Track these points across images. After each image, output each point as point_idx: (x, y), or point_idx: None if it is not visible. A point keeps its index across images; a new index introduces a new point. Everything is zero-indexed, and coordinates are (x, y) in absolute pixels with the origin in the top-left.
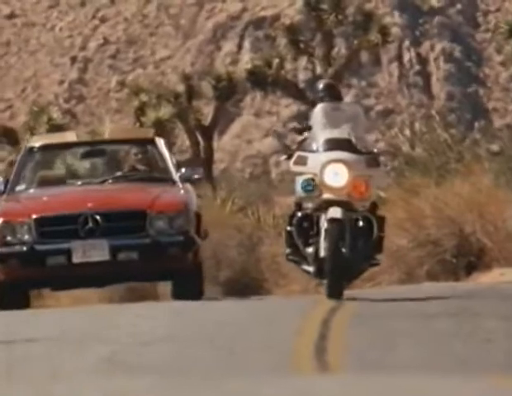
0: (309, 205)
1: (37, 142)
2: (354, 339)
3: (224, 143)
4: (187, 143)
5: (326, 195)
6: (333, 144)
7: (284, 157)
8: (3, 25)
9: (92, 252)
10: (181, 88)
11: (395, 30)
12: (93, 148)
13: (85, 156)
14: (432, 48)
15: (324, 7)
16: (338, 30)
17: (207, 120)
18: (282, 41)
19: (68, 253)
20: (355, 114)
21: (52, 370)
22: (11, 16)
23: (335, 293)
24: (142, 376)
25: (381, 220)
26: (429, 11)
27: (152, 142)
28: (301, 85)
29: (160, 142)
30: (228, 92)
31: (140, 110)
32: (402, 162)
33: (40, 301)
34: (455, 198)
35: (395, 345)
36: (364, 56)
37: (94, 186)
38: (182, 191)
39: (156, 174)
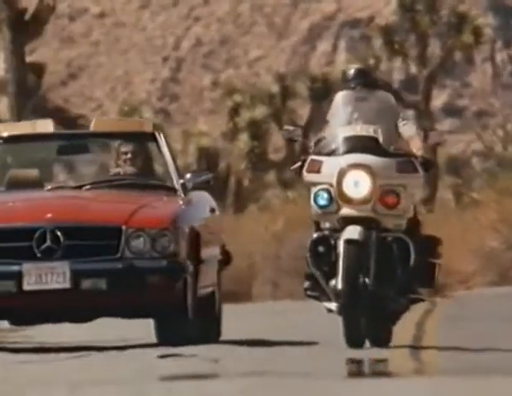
0: (327, 224)
1: (3, 132)
2: (448, 341)
3: None
4: (282, 143)
5: (345, 211)
6: (353, 144)
7: (297, 165)
8: (93, 24)
9: (49, 277)
10: (275, 89)
11: (487, 31)
12: (74, 142)
13: (63, 152)
14: None
15: (419, 8)
16: (432, 31)
17: (303, 120)
18: (377, 42)
19: (18, 278)
20: (387, 105)
21: (144, 371)
22: (101, 15)
23: (354, 339)
24: (237, 378)
25: (429, 242)
26: None
27: (151, 137)
28: (396, 85)
29: (161, 138)
30: (323, 93)
31: (234, 111)
32: (494, 163)
33: None
34: None
35: (489, 347)
36: (457, 57)
37: (66, 191)
38: (178, 203)
39: (151, 179)
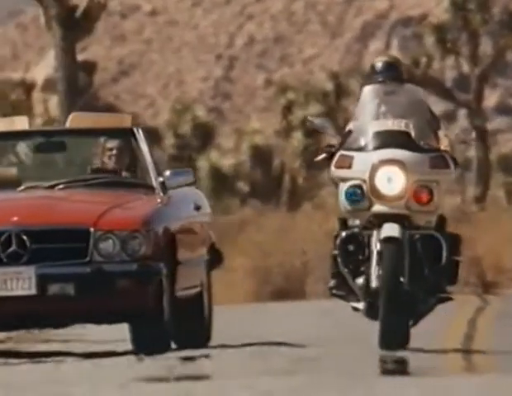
0: (356, 222)
1: None
2: (501, 339)
3: None
4: (335, 141)
5: (378, 208)
6: (385, 139)
7: (322, 156)
8: (145, 22)
9: (15, 283)
10: (329, 87)
11: None
12: (49, 139)
13: (40, 150)
14: None
15: (471, 6)
16: (484, 30)
17: None
18: (430, 40)
19: None
20: (416, 99)
21: (195, 370)
22: (153, 13)
23: (392, 341)
24: (289, 376)
25: (454, 240)
26: None
27: (129, 133)
28: (448, 84)
29: (140, 134)
30: None
31: (288, 109)
32: None
33: None
34: None
35: None
36: (510, 55)
37: (38, 192)
38: (154, 202)
39: (128, 178)
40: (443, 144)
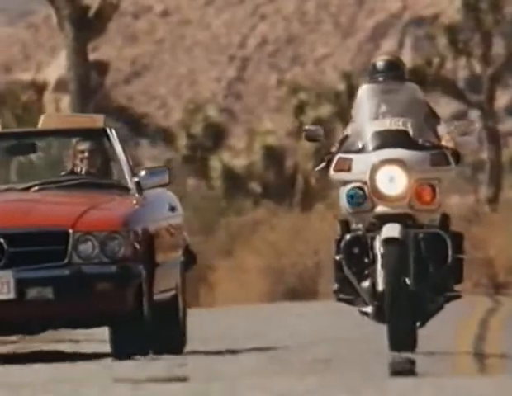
0: (359, 225)
1: None
2: None
3: None
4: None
5: (380, 209)
6: (384, 139)
7: (322, 164)
8: (157, 22)
9: None
10: (341, 87)
11: None
12: (21, 141)
13: (11, 152)
14: None
15: (483, 6)
16: (496, 30)
17: None
18: (442, 40)
19: None
20: (414, 97)
21: (210, 370)
22: (165, 13)
23: (400, 342)
24: (303, 378)
25: (458, 237)
26: None
27: (102, 133)
28: (461, 84)
29: (113, 134)
30: None
31: (300, 109)
32: None
33: (197, 300)
34: None
35: None
36: None
37: (12, 194)
38: (130, 203)
39: (103, 178)
40: (445, 140)
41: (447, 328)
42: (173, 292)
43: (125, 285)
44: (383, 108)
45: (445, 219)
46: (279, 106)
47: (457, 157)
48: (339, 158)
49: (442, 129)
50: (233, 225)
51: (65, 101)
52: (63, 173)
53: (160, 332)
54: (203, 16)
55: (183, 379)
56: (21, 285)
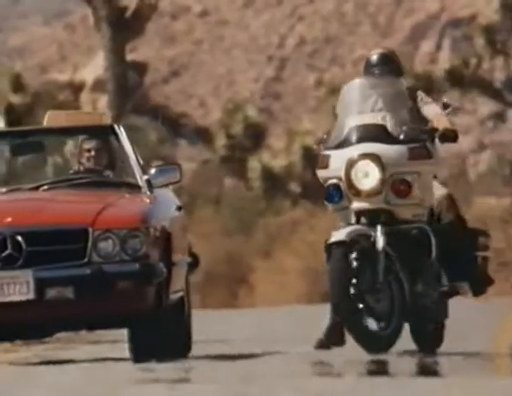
0: (341, 223)
1: None
2: None
3: None
4: None
5: (356, 204)
6: (361, 134)
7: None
8: (195, 22)
9: (11, 288)
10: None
11: None
12: (26, 140)
13: (16, 152)
14: None
15: None
16: None
17: None
18: (479, 41)
19: None
20: (396, 90)
21: (247, 371)
22: (204, 14)
23: (370, 344)
24: (342, 378)
25: (475, 235)
26: None
27: (110, 131)
28: (498, 84)
29: (121, 132)
30: (426, 92)
31: None
32: None
33: (236, 301)
34: None
35: None
36: None
37: (23, 193)
38: (144, 200)
39: (112, 177)
40: (436, 120)
41: (487, 330)
42: (180, 293)
43: (147, 284)
44: (364, 103)
45: (455, 215)
46: (318, 106)
47: (454, 135)
48: (321, 156)
49: (431, 110)
50: (271, 226)
51: (102, 101)
52: (71, 172)
53: (167, 336)
54: (242, 17)
55: (220, 381)
56: (41, 285)
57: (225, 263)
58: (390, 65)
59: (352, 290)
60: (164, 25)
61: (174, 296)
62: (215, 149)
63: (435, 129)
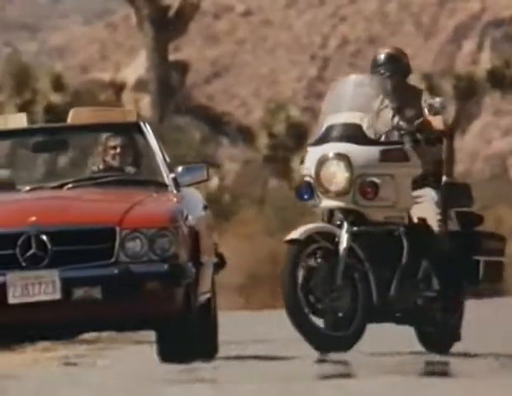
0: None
1: None
2: None
3: (464, 144)
4: None
5: (325, 203)
6: (335, 133)
7: None
8: (238, 22)
9: (36, 288)
10: (422, 87)
11: None
12: (50, 137)
13: (39, 149)
14: None
15: None
16: None
17: (449, 119)
18: None
19: (2, 290)
20: (380, 91)
21: (287, 371)
22: (247, 13)
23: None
24: (380, 377)
25: (476, 238)
26: None
27: (135, 128)
28: None
29: (147, 129)
30: (468, 92)
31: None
32: None
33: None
34: None
35: None
36: None
37: (46, 192)
38: (172, 199)
39: (138, 175)
40: (436, 125)
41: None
42: (208, 295)
43: (176, 285)
44: (345, 101)
45: (468, 216)
46: None
47: (441, 137)
48: (305, 153)
49: (433, 108)
50: None
51: (145, 100)
52: (94, 170)
53: (195, 339)
54: (285, 17)
55: (261, 381)
56: (68, 285)
57: (268, 263)
58: (396, 64)
59: (300, 290)
60: (207, 24)
61: (202, 297)
62: (258, 149)
63: (426, 130)
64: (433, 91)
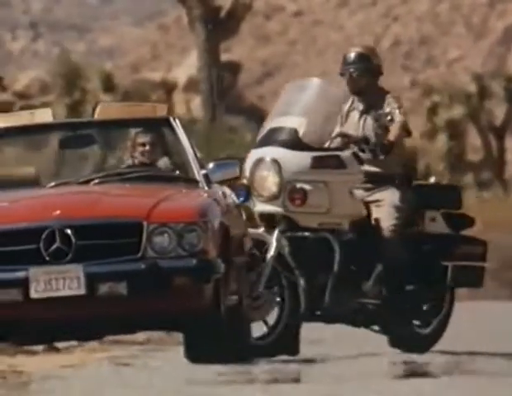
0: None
1: None
2: None
3: None
4: (479, 143)
5: (259, 207)
6: (270, 137)
7: None
8: (289, 22)
9: (61, 283)
10: (472, 89)
11: None
12: (77, 133)
13: (66, 145)
14: None
15: None
16: None
17: (499, 120)
18: None
19: (24, 285)
20: (321, 94)
21: (340, 372)
22: (298, 14)
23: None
24: (430, 379)
25: (445, 242)
26: None
27: (165, 123)
28: None
29: (177, 124)
30: None
31: (432, 111)
32: None
33: None
34: None
35: None
36: None
37: (72, 187)
38: (202, 195)
39: (168, 171)
40: (392, 135)
41: None
42: (237, 296)
43: (205, 280)
44: (289, 105)
45: (449, 218)
46: (412, 107)
47: (389, 147)
48: None
49: (391, 121)
50: None
51: (196, 101)
52: (122, 166)
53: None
54: (336, 18)
55: (312, 381)
56: (93, 280)
57: None
58: (366, 64)
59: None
60: (258, 25)
61: (231, 299)
62: None
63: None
64: (484, 92)
